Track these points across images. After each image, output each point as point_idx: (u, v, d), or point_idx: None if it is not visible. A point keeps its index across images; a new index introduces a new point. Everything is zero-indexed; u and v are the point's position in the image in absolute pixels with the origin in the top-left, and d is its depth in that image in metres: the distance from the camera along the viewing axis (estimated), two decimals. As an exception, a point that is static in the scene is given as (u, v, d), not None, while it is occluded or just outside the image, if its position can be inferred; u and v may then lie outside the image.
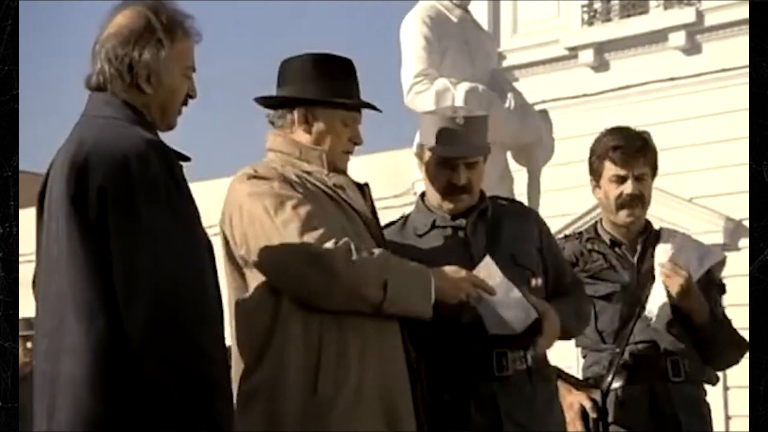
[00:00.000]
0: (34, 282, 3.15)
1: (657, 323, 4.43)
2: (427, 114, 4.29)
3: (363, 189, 3.80)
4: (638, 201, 4.54)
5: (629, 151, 4.55)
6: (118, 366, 2.86)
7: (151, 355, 2.84)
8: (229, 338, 3.33)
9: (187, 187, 3.00)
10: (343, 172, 3.79)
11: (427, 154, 4.07)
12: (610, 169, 4.55)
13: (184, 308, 2.86)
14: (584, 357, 4.64)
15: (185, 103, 3.24)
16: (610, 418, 4.39)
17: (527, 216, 4.19)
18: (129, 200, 2.88)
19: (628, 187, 4.51)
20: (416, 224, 4.09)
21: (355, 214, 3.66)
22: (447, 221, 4.05)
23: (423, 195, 4.17)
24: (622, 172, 4.52)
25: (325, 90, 3.71)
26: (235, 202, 3.59)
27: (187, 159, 3.09)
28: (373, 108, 3.89)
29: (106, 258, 2.88)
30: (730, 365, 4.81)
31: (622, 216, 4.54)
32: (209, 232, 3.10)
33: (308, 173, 3.67)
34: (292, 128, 3.75)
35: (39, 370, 3.01)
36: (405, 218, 4.19)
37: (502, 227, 4.05)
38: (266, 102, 3.81)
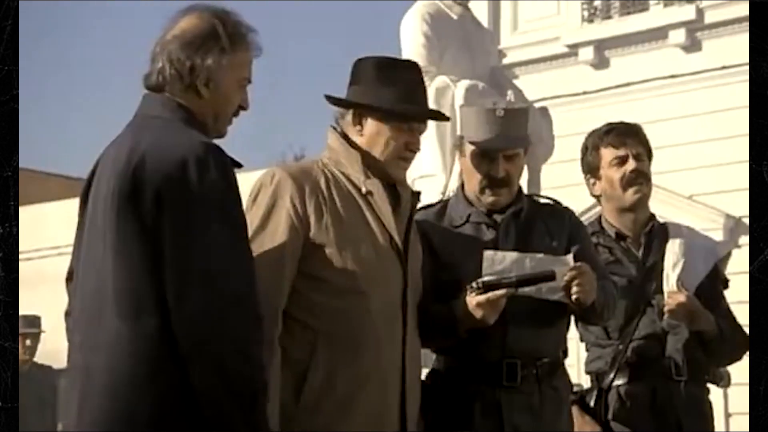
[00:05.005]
0: (69, 275, 3.18)
1: (669, 329, 4.44)
2: (466, 107, 4.29)
3: (400, 197, 3.76)
4: (642, 177, 4.53)
5: (623, 130, 4.59)
6: (162, 364, 2.88)
7: (199, 356, 2.86)
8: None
9: (239, 192, 3.02)
10: (395, 180, 3.75)
11: (467, 147, 4.06)
12: (608, 155, 4.55)
13: (235, 311, 2.88)
14: (588, 351, 4.64)
15: (236, 114, 3.27)
16: (610, 416, 4.38)
17: (562, 217, 4.13)
18: (186, 203, 2.91)
19: (630, 165, 4.51)
20: (453, 214, 4.07)
21: (378, 224, 3.64)
22: (482, 218, 4.02)
23: (462, 186, 4.15)
24: (622, 152, 4.53)
25: (378, 95, 3.70)
26: (249, 195, 3.63)
27: (239, 165, 3.11)
28: (435, 117, 3.91)
29: (156, 257, 2.90)
30: (733, 362, 4.81)
31: (630, 195, 4.53)
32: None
33: (347, 176, 3.68)
34: (348, 128, 3.76)
35: (73, 363, 3.04)
36: (444, 203, 4.17)
37: (534, 229, 4.02)
38: (330, 100, 3.82)
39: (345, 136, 3.75)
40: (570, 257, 3.86)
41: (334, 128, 3.80)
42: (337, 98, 3.79)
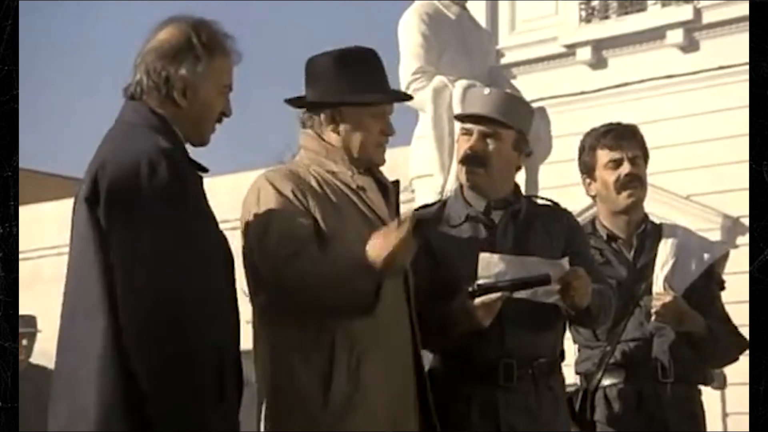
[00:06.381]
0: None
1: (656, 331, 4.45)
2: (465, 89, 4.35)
3: (387, 188, 3.79)
4: (637, 181, 4.55)
5: (620, 133, 4.62)
6: (117, 363, 2.91)
7: (137, 355, 2.90)
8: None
9: (198, 196, 3.06)
10: (377, 165, 3.78)
11: (457, 131, 4.12)
12: (604, 156, 4.57)
13: (175, 311, 2.92)
14: (578, 352, 4.65)
15: (219, 121, 3.32)
16: (596, 416, 4.39)
17: (560, 218, 4.15)
18: (132, 205, 2.96)
19: (625, 168, 4.54)
20: (451, 213, 4.09)
21: (375, 217, 3.66)
22: (480, 217, 4.04)
23: (461, 186, 4.17)
24: (617, 155, 4.55)
25: (348, 88, 3.71)
26: (246, 206, 3.63)
27: (204, 170, 3.17)
28: (402, 99, 3.91)
29: (109, 258, 2.96)
30: (727, 364, 4.82)
31: (624, 198, 4.54)
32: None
33: (334, 173, 3.69)
34: (321, 129, 3.76)
35: (55, 366, 3.10)
36: (443, 203, 4.19)
37: (532, 229, 4.04)
38: (293, 103, 3.82)
39: (321, 137, 3.76)
40: (565, 261, 3.86)
41: (307, 131, 3.80)
42: (309, 102, 3.78)
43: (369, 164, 3.73)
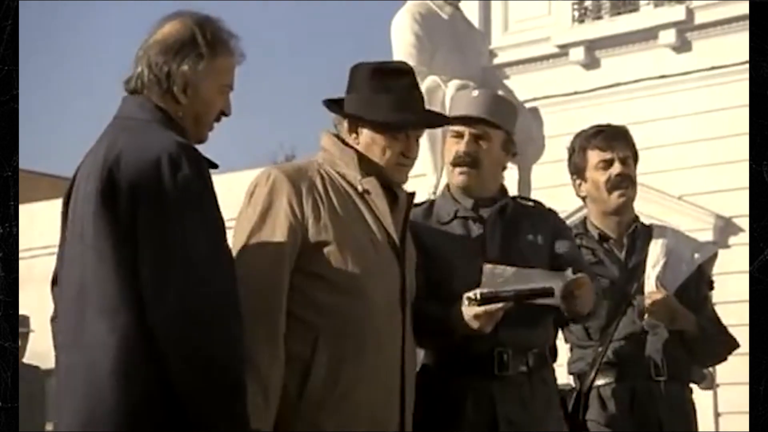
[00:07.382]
0: (54, 281, 3.20)
1: (650, 329, 4.46)
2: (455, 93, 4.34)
3: (397, 195, 3.77)
4: (627, 181, 4.57)
5: (611, 133, 4.63)
6: (141, 361, 2.90)
7: (178, 352, 2.88)
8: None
9: (214, 191, 3.05)
10: (397, 184, 3.75)
11: (447, 132, 4.12)
12: (594, 157, 4.58)
13: (212, 306, 2.91)
14: (570, 352, 4.65)
15: (218, 119, 3.31)
16: (590, 416, 4.39)
17: (547, 218, 4.16)
18: (160, 201, 2.94)
19: (615, 168, 4.55)
20: (440, 212, 4.09)
21: (376, 222, 3.65)
22: (468, 213, 4.04)
23: (449, 184, 4.17)
24: (608, 155, 4.56)
25: (372, 104, 3.70)
26: (245, 197, 3.63)
27: (215, 166, 3.15)
28: (421, 125, 3.82)
29: (132, 255, 2.93)
30: (716, 363, 4.84)
31: (614, 198, 4.55)
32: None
33: (343, 175, 3.68)
34: (344, 135, 3.77)
35: (60, 363, 3.06)
36: (431, 202, 4.19)
37: (520, 225, 4.05)
38: (328, 107, 3.82)
39: (340, 138, 3.76)
40: (569, 272, 3.85)
41: (328, 131, 3.81)
42: (335, 105, 3.79)
43: (381, 175, 3.70)
